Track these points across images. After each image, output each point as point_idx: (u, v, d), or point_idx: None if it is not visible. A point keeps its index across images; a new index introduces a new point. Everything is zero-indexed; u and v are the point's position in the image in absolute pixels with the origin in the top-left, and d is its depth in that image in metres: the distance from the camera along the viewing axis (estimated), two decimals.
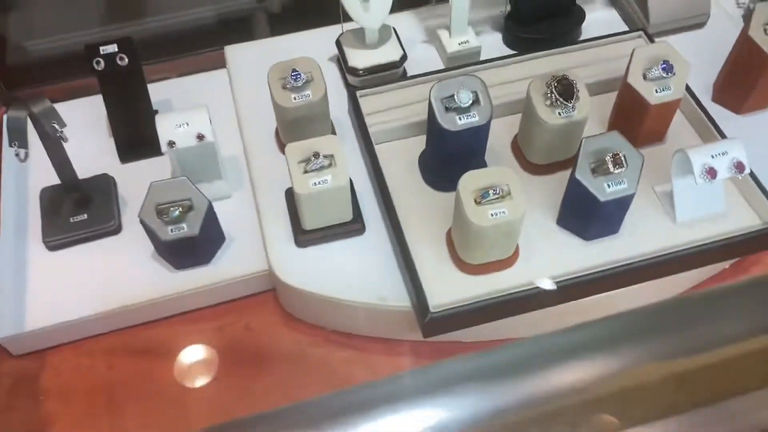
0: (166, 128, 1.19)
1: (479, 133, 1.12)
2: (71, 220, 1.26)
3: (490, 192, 1.02)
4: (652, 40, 1.38)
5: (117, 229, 1.27)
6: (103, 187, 1.30)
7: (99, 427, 1.13)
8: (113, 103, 1.34)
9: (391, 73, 1.37)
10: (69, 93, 1.51)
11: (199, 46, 1.55)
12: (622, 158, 1.04)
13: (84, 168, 1.33)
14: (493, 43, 1.47)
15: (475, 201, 1.03)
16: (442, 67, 1.42)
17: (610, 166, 1.04)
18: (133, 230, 1.24)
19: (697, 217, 1.16)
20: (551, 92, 1.13)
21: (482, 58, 1.43)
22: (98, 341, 1.22)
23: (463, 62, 1.41)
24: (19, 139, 1.11)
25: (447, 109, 1.10)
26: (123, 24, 1.54)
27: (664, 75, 1.15)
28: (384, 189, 1.19)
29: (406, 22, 1.51)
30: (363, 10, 1.29)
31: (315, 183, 1.09)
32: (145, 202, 1.15)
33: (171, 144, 1.18)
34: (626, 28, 1.48)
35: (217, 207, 1.28)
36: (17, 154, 1.11)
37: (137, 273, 1.22)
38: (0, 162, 1.38)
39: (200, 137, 1.19)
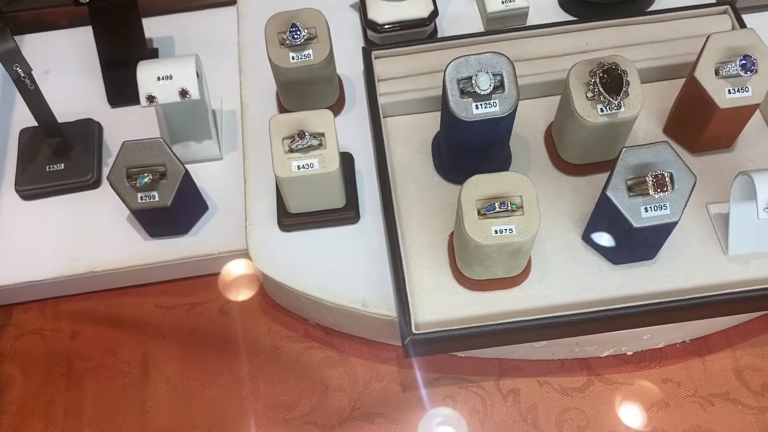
0: (146, 80, 1.04)
1: (499, 126, 0.93)
2: (47, 168, 1.15)
3: (496, 205, 0.85)
4: (740, 19, 1.13)
5: (95, 184, 1.15)
6: (86, 134, 1.18)
7: (53, 398, 1.05)
8: (103, 39, 1.20)
9: (417, 32, 1.17)
10: (74, 18, 1.38)
11: None
12: (667, 180, 0.84)
13: (70, 108, 1.21)
14: (545, 3, 1.24)
15: (478, 212, 0.86)
16: (480, 27, 1.21)
17: (651, 188, 0.84)
18: None
19: (754, 251, 0.96)
20: (594, 83, 0.92)
21: (530, 21, 1.21)
22: (66, 303, 1.14)
23: (506, 25, 1.20)
24: None
25: (463, 93, 0.91)
26: None
27: (742, 73, 0.92)
28: (384, 175, 1.02)
29: None
30: None
31: (299, 166, 0.94)
32: (116, 162, 1.02)
33: (150, 98, 1.04)
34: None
35: (206, 169, 1.15)
36: None
37: (110, 235, 1.11)
38: None
39: (183, 93, 1.04)
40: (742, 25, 1.12)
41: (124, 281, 1.12)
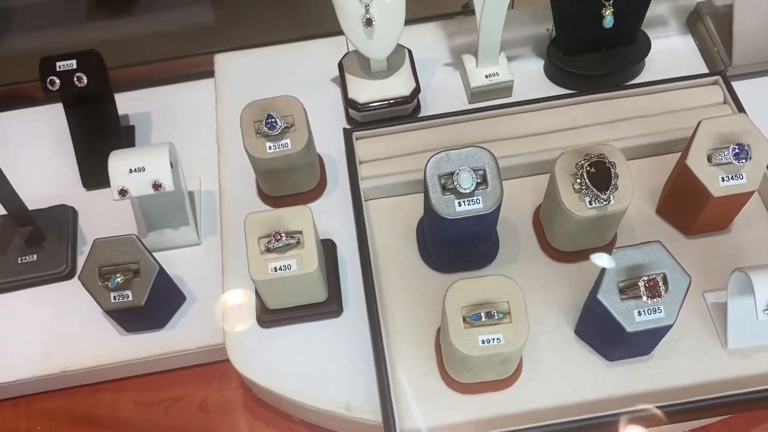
0: (117, 172, 1.01)
1: (484, 221, 0.89)
2: (19, 260, 1.11)
3: (482, 314, 0.80)
4: (731, 89, 1.09)
5: (69, 275, 1.11)
6: (60, 222, 1.14)
7: None
8: (76, 121, 1.16)
9: (400, 109, 1.13)
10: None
11: (190, 48, 1.34)
12: (660, 284, 0.80)
13: (43, 191, 1.18)
14: (531, 73, 1.20)
15: (464, 320, 0.82)
16: (464, 100, 1.18)
17: (644, 294, 0.80)
18: None
19: (755, 345, 0.92)
20: (581, 176, 0.88)
21: (516, 91, 1.17)
22: (39, 401, 1.09)
23: (491, 97, 1.17)
24: None
25: (445, 189, 0.87)
26: (108, 19, 1.34)
27: (736, 162, 0.89)
28: (367, 264, 0.98)
29: (426, 38, 1.25)
30: (366, 36, 1.05)
31: (275, 268, 0.90)
32: (87, 262, 0.98)
33: (122, 192, 1.00)
34: (702, 64, 1.19)
35: (184, 256, 1.11)
36: None
37: (84, 330, 1.06)
38: None
39: (157, 186, 1.00)
40: (733, 95, 1.09)
41: (99, 377, 1.08)
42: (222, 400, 1.07)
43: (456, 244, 0.94)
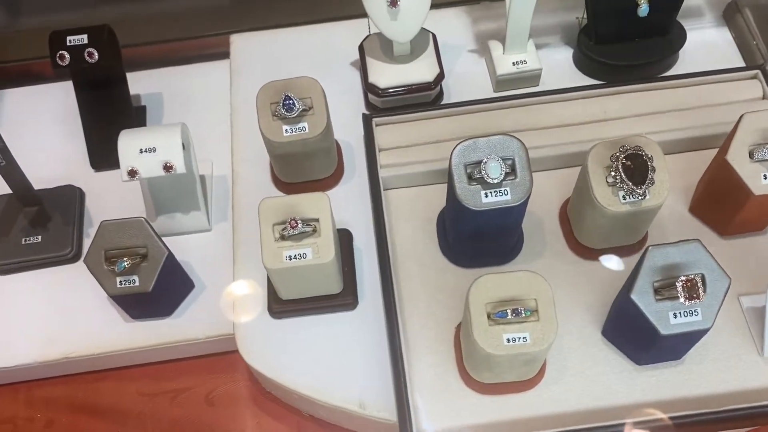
0: (127, 152, 0.96)
1: (511, 214, 0.85)
2: (23, 241, 1.07)
3: (509, 311, 0.76)
4: None
5: (74, 258, 1.07)
6: (66, 203, 1.10)
7: None
8: (86, 100, 1.12)
9: (422, 95, 1.09)
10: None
11: (205, 28, 1.29)
12: (699, 285, 0.75)
13: (49, 171, 1.14)
14: (560, 62, 1.15)
15: (489, 317, 0.77)
16: (488, 89, 1.13)
17: (682, 294, 0.75)
18: None
19: None
20: (616, 169, 0.83)
21: (543, 81, 1.12)
22: (40, 387, 1.05)
23: (517, 86, 1.12)
24: None
25: (471, 178, 0.82)
26: None
27: None
28: (385, 256, 0.94)
29: (451, 23, 1.21)
30: (390, 17, 1.01)
31: (290, 257, 0.85)
32: (93, 244, 0.94)
33: (132, 173, 0.96)
34: (738, 57, 1.14)
35: (193, 241, 1.07)
36: None
37: (88, 316, 1.02)
38: None
39: (168, 167, 0.96)
40: None
41: (103, 365, 1.04)
42: (229, 393, 1.03)
43: (479, 238, 0.90)
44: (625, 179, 0.83)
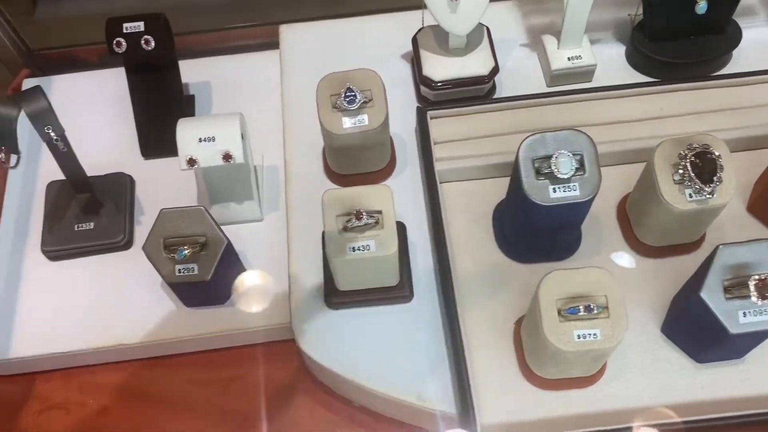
0: (187, 141, 0.96)
1: (578, 210, 0.85)
2: (76, 228, 1.07)
3: (581, 308, 0.76)
4: None
5: (126, 245, 1.07)
6: (118, 190, 1.10)
7: None
8: (137, 87, 1.12)
9: (476, 89, 1.08)
10: (105, 57, 1.30)
11: (255, 17, 1.29)
12: None
13: (99, 157, 1.13)
14: (612, 59, 1.15)
15: (559, 312, 0.77)
16: (541, 84, 1.13)
17: (754, 294, 0.75)
18: None
19: None
20: (684, 168, 0.83)
21: (596, 78, 1.12)
22: (92, 373, 1.05)
23: (570, 82, 1.11)
24: (5, 142, 0.91)
25: (539, 173, 0.82)
26: None
27: None
28: (442, 251, 0.94)
29: (503, 17, 1.20)
30: (450, 9, 1.00)
31: (354, 248, 0.85)
32: (152, 232, 0.94)
33: (191, 162, 0.96)
34: None
35: (246, 231, 1.07)
36: (2, 161, 0.91)
37: (142, 303, 1.03)
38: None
39: (227, 157, 0.96)
40: None
41: (156, 352, 1.04)
42: (281, 382, 1.03)
43: (541, 233, 0.90)
44: (694, 178, 0.82)
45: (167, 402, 1.03)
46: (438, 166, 1.01)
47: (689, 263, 0.92)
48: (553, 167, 0.80)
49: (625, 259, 0.95)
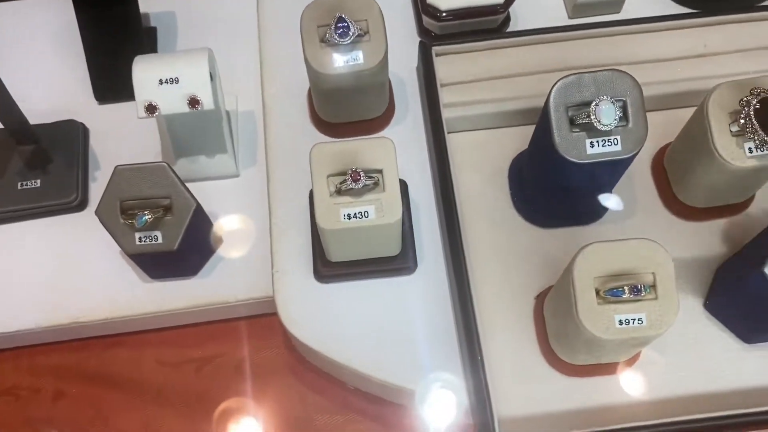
0: (145, 84, 0.81)
1: (616, 167, 0.71)
2: (19, 186, 0.92)
3: (626, 289, 0.63)
4: None
5: (80, 206, 0.93)
6: (68, 141, 0.95)
7: None
8: (88, 20, 0.95)
9: (488, 20, 0.93)
10: None
11: None
12: None
13: (46, 103, 0.99)
14: None
15: (597, 293, 0.64)
16: (561, 16, 0.97)
17: None
18: None
19: None
20: (747, 116, 0.69)
21: (625, 10, 0.96)
22: (46, 353, 0.92)
23: (595, 13, 0.96)
24: None
25: (573, 123, 0.68)
26: None
27: None
28: (451, 214, 0.80)
29: None
30: None
31: (349, 215, 0.71)
32: (106, 193, 0.79)
33: (151, 108, 0.81)
34: None
35: (218, 189, 0.93)
36: None
37: (99, 274, 0.89)
38: None
39: (194, 102, 0.81)
40: None
41: (118, 329, 0.91)
42: (263, 362, 0.91)
43: (571, 194, 0.76)
44: (758, 129, 0.68)
45: (132, 386, 0.90)
46: (445, 113, 0.86)
47: (734, 228, 0.80)
48: (592, 116, 0.66)
49: (661, 221, 0.82)
